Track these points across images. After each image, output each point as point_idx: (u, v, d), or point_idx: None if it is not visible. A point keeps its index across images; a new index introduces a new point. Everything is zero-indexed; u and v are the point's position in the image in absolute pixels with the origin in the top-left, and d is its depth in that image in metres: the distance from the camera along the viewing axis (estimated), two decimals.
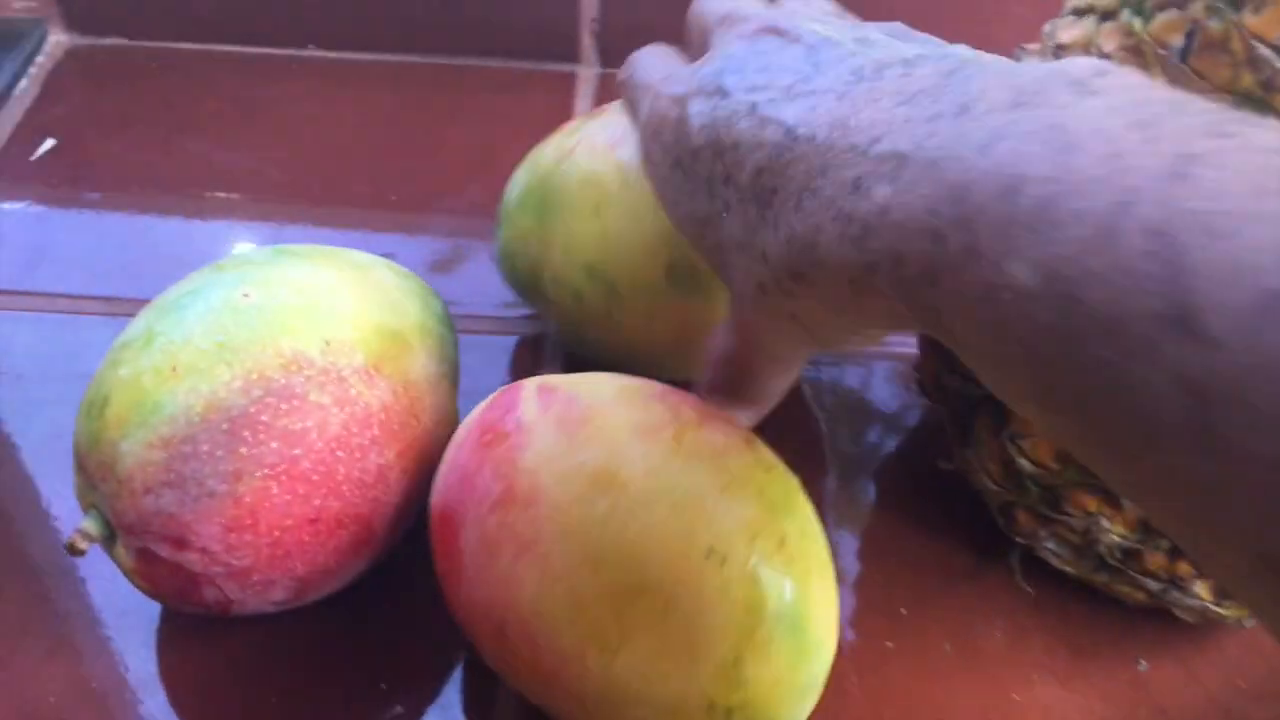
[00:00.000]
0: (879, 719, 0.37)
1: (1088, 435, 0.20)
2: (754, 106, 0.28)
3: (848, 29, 0.30)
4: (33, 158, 0.56)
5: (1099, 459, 0.21)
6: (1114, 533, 0.35)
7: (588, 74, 0.60)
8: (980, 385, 0.37)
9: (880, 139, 0.24)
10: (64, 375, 0.46)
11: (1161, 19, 0.31)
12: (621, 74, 0.38)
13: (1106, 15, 0.33)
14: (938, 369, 0.40)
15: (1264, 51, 0.29)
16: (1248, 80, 0.29)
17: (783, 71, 0.28)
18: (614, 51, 0.60)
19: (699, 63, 0.32)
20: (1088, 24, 0.34)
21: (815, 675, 0.32)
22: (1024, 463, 0.35)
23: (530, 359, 0.47)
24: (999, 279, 0.20)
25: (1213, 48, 0.30)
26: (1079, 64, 0.22)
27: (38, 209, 0.54)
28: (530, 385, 0.35)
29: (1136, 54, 0.32)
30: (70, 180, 0.55)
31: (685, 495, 0.32)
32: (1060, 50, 0.34)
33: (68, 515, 0.42)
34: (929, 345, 0.40)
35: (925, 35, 0.31)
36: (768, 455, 0.34)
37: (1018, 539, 0.39)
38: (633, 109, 0.36)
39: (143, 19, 0.61)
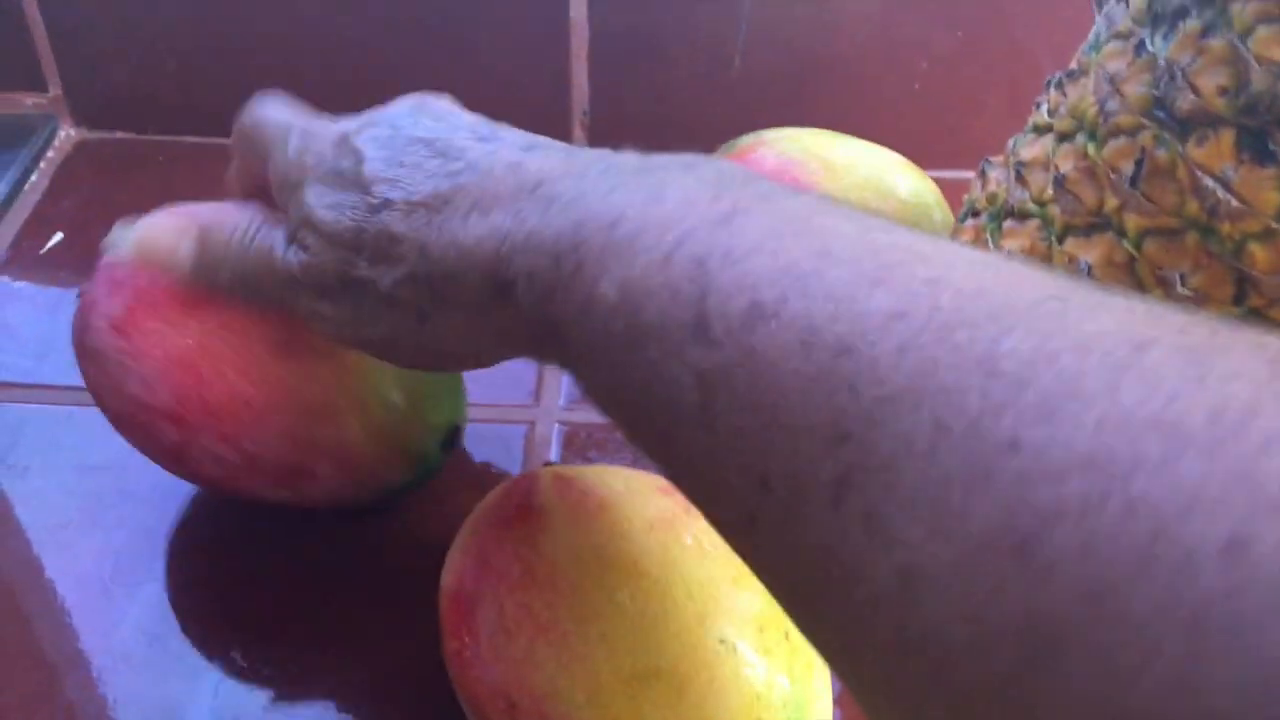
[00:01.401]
0: None
1: (640, 422, 0.26)
2: (441, 144, 0.32)
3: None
4: (42, 251, 0.57)
5: (648, 443, 0.26)
6: None
7: None
8: None
9: (542, 183, 0.29)
10: (70, 467, 0.48)
11: (1113, 145, 0.34)
12: (243, 120, 0.40)
13: (1064, 137, 0.36)
14: None
15: (1208, 182, 0.32)
16: (1193, 207, 0.32)
17: (464, 126, 0.33)
18: (602, 140, 0.63)
19: (361, 114, 0.35)
20: (1047, 142, 0.37)
21: None
22: None
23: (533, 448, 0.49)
24: (594, 294, 0.25)
25: (1160, 175, 0.32)
26: (691, 155, 0.28)
27: (47, 301, 0.55)
28: (546, 474, 0.37)
29: (1090, 176, 0.34)
30: (78, 272, 0.56)
31: (699, 585, 0.34)
32: (1021, 165, 0.37)
33: (73, 606, 0.43)
34: None
35: None
36: None
37: None
38: (269, 143, 0.37)
39: (150, 114, 0.64)
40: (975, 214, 0.37)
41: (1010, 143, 0.39)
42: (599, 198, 0.27)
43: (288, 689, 0.41)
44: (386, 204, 0.31)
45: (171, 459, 0.41)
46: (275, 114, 0.38)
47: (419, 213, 0.31)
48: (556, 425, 0.50)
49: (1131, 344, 0.18)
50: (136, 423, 0.41)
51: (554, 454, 0.49)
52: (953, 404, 0.19)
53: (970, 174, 0.42)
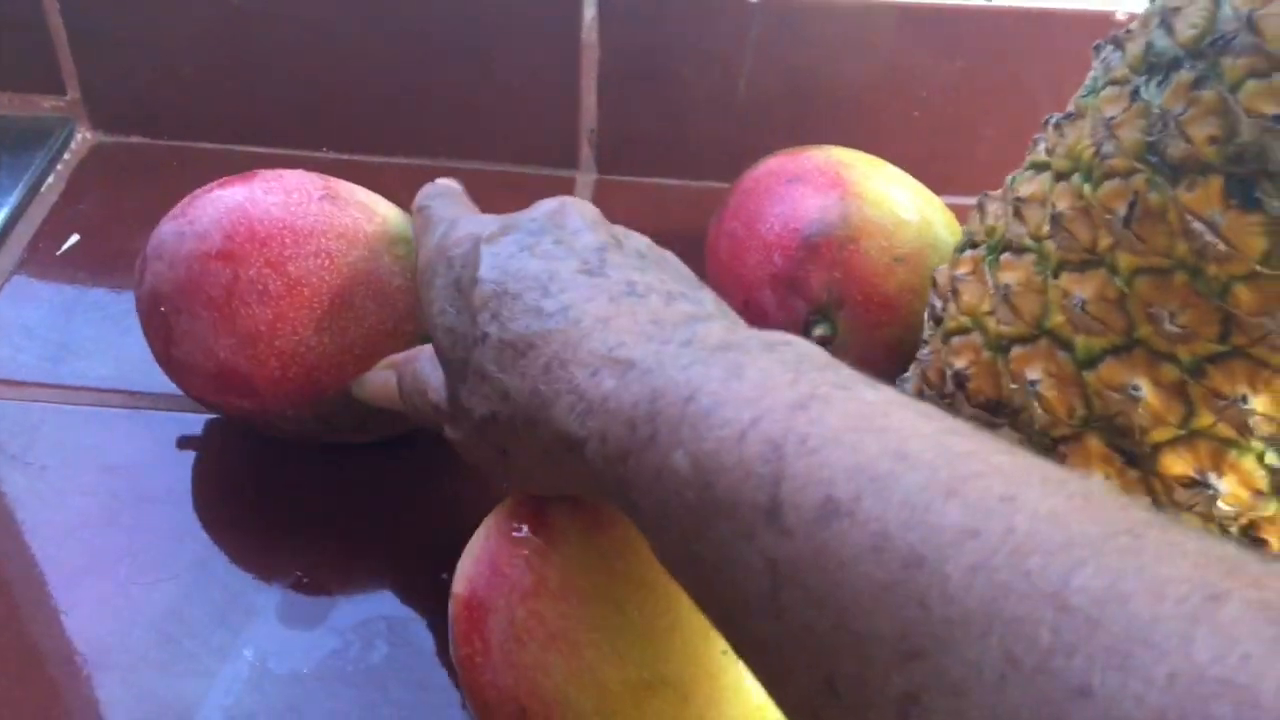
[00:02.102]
0: None
1: (709, 596, 0.26)
2: (547, 275, 0.33)
3: (631, 246, 0.35)
4: (59, 252, 0.59)
5: (717, 616, 0.26)
6: None
7: (586, 179, 0.65)
8: None
9: (623, 345, 0.30)
10: (87, 467, 0.49)
11: (1108, 187, 0.35)
12: (419, 200, 0.43)
13: (1061, 176, 0.37)
14: None
15: (1197, 225, 0.33)
16: (1182, 249, 0.33)
17: (577, 253, 0.34)
18: (609, 158, 0.64)
19: (505, 217, 0.36)
20: (1044, 180, 0.38)
21: None
22: None
23: None
24: (667, 464, 0.26)
25: (1152, 217, 0.34)
26: (774, 334, 0.29)
27: (64, 302, 0.56)
28: None
29: (1085, 215, 0.36)
30: (95, 274, 0.58)
31: None
32: (1020, 201, 0.39)
33: (89, 605, 0.44)
34: None
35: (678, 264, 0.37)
36: None
37: None
38: (424, 228, 0.40)
39: (165, 118, 0.65)
40: (974, 245, 0.38)
41: (1009, 179, 0.40)
42: (678, 369, 0.27)
43: (300, 691, 0.42)
44: (484, 338, 0.32)
45: (219, 309, 0.44)
46: (437, 204, 0.41)
47: (507, 353, 0.32)
48: None
49: (1206, 594, 0.18)
50: (191, 281, 0.44)
51: None
52: (1024, 636, 0.19)
53: (966, 200, 0.44)
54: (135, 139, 0.66)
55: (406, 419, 0.41)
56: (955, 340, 0.38)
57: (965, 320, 0.38)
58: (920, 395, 0.42)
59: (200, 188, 0.47)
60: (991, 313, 0.36)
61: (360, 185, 0.48)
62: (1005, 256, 0.36)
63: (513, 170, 0.65)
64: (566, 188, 0.64)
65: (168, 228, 0.46)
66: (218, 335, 0.44)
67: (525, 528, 0.37)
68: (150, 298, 0.46)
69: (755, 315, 0.48)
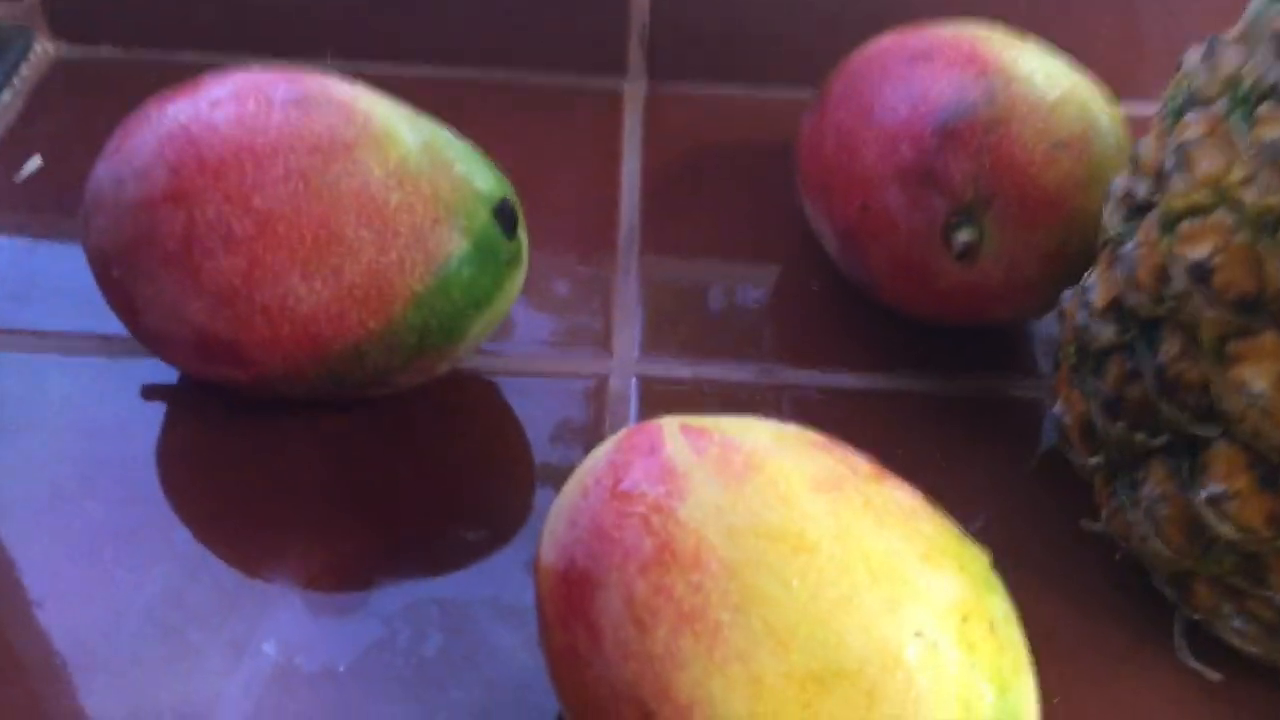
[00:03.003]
0: None
1: None
2: None
3: None
4: (18, 179, 0.49)
5: None
6: None
7: (635, 89, 0.55)
8: (1156, 434, 0.33)
9: None
10: (58, 426, 0.40)
11: None
12: None
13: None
14: (1090, 412, 0.35)
15: None
16: None
17: None
18: (665, 62, 0.55)
19: None
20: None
21: None
22: (1224, 527, 0.31)
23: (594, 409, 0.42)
24: None
25: None
26: None
27: (25, 237, 0.47)
28: (671, 424, 0.30)
29: None
30: (60, 205, 0.48)
31: (883, 562, 0.27)
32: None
33: (68, 596, 0.35)
34: (1078, 385, 0.36)
35: None
36: (950, 522, 0.30)
37: (1193, 614, 0.34)
38: None
39: (139, 26, 0.56)
40: (1203, 102, 0.30)
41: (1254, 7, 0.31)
42: None
43: (337, 693, 0.33)
44: None
45: (180, 265, 0.35)
46: None
47: None
48: (634, 379, 0.43)
49: None
50: (140, 236, 0.36)
51: (632, 415, 0.42)
52: None
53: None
54: (104, 50, 0.56)
55: (442, 363, 0.33)
56: (1186, 225, 0.30)
57: (1203, 196, 0.29)
58: (1115, 307, 0.33)
59: (133, 111, 0.38)
60: (1248, 181, 0.28)
61: None
62: (1266, 108, 0.28)
63: (550, 80, 0.56)
64: (613, 103, 0.55)
65: (102, 171, 0.37)
66: (185, 297, 0.35)
67: (638, 475, 0.29)
68: (99, 260, 0.37)
69: (879, 221, 0.39)
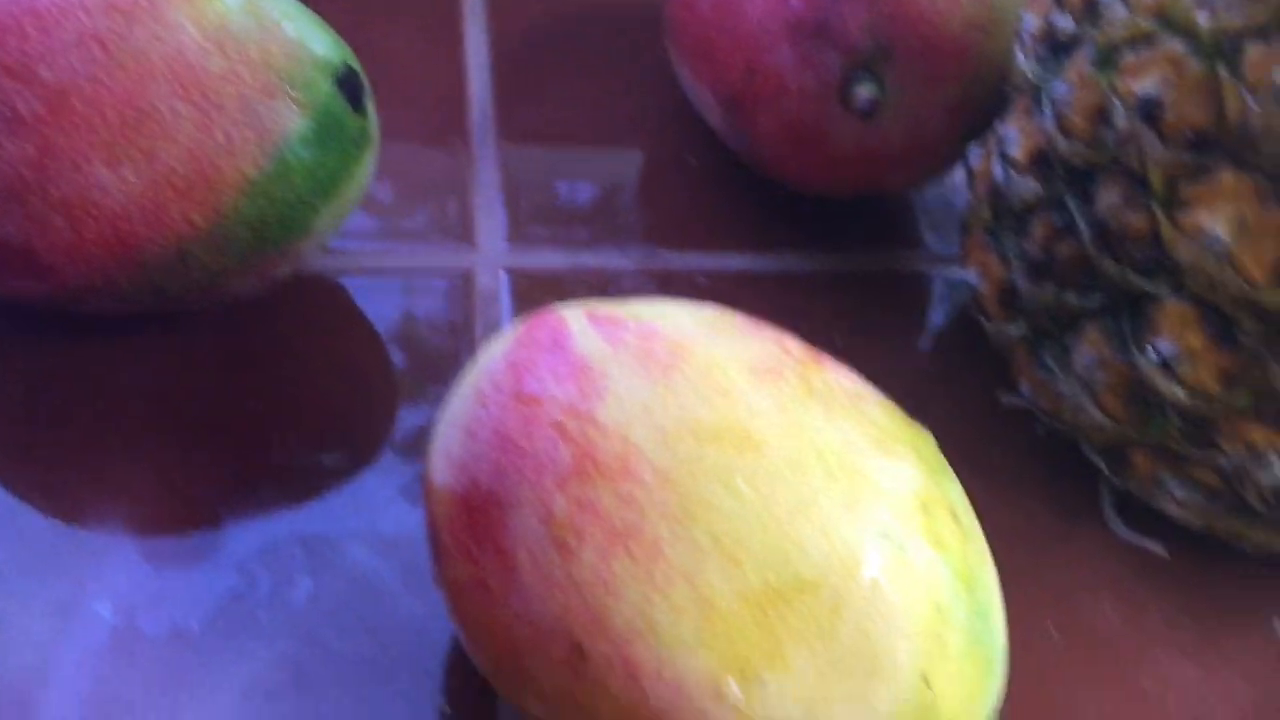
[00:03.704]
0: None
1: None
2: None
3: None
4: None
5: None
6: None
7: None
8: (1090, 295, 0.31)
9: None
10: None
11: None
12: None
13: None
14: (1010, 277, 0.32)
15: None
16: None
17: None
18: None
19: None
20: None
21: (998, 688, 0.25)
22: (1174, 390, 0.28)
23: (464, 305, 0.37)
24: None
25: None
26: None
27: None
28: (575, 313, 0.26)
29: None
30: None
31: (838, 456, 0.23)
32: None
33: None
34: (995, 249, 0.33)
35: None
36: (892, 402, 0.26)
37: (1128, 485, 0.32)
38: None
39: None
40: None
41: None
42: None
43: (192, 654, 0.28)
44: None
45: None
46: None
47: None
48: (503, 273, 0.38)
49: None
50: None
51: (505, 312, 0.37)
52: None
53: None
54: None
55: (282, 264, 0.28)
56: (1129, 57, 0.27)
57: (1148, 23, 0.26)
58: (1039, 159, 0.30)
59: None
60: (1202, 2, 0.25)
61: None
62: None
63: None
64: None
65: None
66: None
67: (544, 375, 0.24)
68: None
69: (768, 84, 0.35)
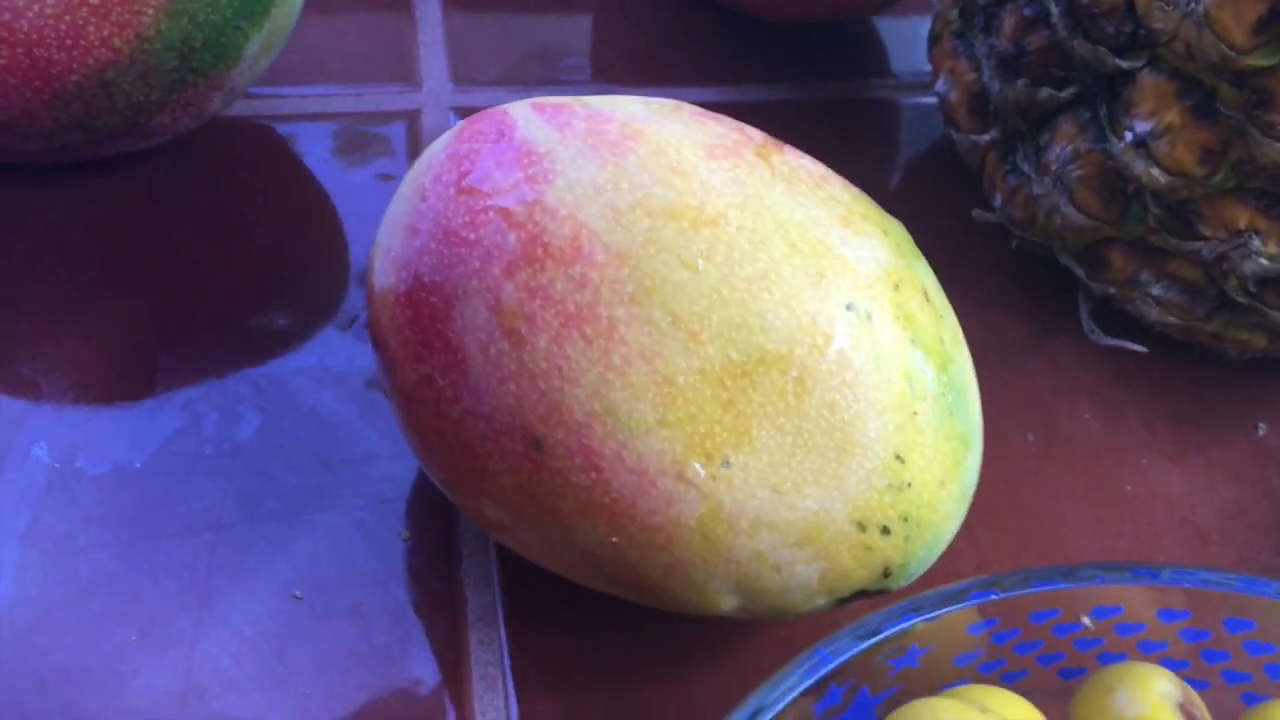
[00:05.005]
0: (979, 542, 0.29)
1: None
2: None
3: None
4: None
5: None
6: (1264, 255, 0.28)
7: None
8: (1064, 85, 0.29)
9: None
10: None
11: None
12: None
13: None
14: (981, 80, 0.31)
15: None
16: None
17: None
18: None
19: None
20: None
21: (974, 472, 0.24)
22: (1151, 171, 0.27)
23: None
24: None
25: None
26: None
27: None
28: (519, 106, 0.24)
29: None
30: None
31: (801, 230, 0.22)
32: None
33: None
34: (964, 54, 0.32)
35: None
36: (859, 190, 0.25)
37: (1107, 288, 0.31)
38: None
39: None
40: None
41: None
42: None
43: (136, 493, 0.27)
44: None
45: None
46: None
47: None
48: (450, 113, 0.36)
49: None
50: None
51: None
52: None
53: None
54: None
55: (213, 96, 0.26)
56: None
57: None
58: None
59: None
60: None
61: None
62: None
63: None
64: None
65: None
66: None
67: (488, 164, 0.23)
68: None
69: None
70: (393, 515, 0.28)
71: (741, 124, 0.25)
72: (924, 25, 0.41)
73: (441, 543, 0.27)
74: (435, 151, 0.24)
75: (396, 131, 0.36)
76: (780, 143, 0.24)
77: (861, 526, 0.22)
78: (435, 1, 0.39)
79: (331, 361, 0.30)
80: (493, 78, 0.37)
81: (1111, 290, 0.31)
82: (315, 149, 0.35)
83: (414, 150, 0.35)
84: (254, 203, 0.33)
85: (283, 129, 0.35)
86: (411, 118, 0.36)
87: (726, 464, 0.21)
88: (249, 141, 0.35)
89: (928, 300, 0.23)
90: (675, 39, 0.39)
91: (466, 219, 0.22)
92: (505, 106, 0.24)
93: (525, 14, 0.39)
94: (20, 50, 0.28)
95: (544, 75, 0.38)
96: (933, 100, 0.39)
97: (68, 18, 0.28)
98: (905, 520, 0.22)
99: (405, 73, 0.37)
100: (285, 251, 0.33)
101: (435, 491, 0.28)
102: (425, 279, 0.23)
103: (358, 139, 0.35)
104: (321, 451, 0.28)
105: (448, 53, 0.38)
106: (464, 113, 0.36)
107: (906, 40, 0.41)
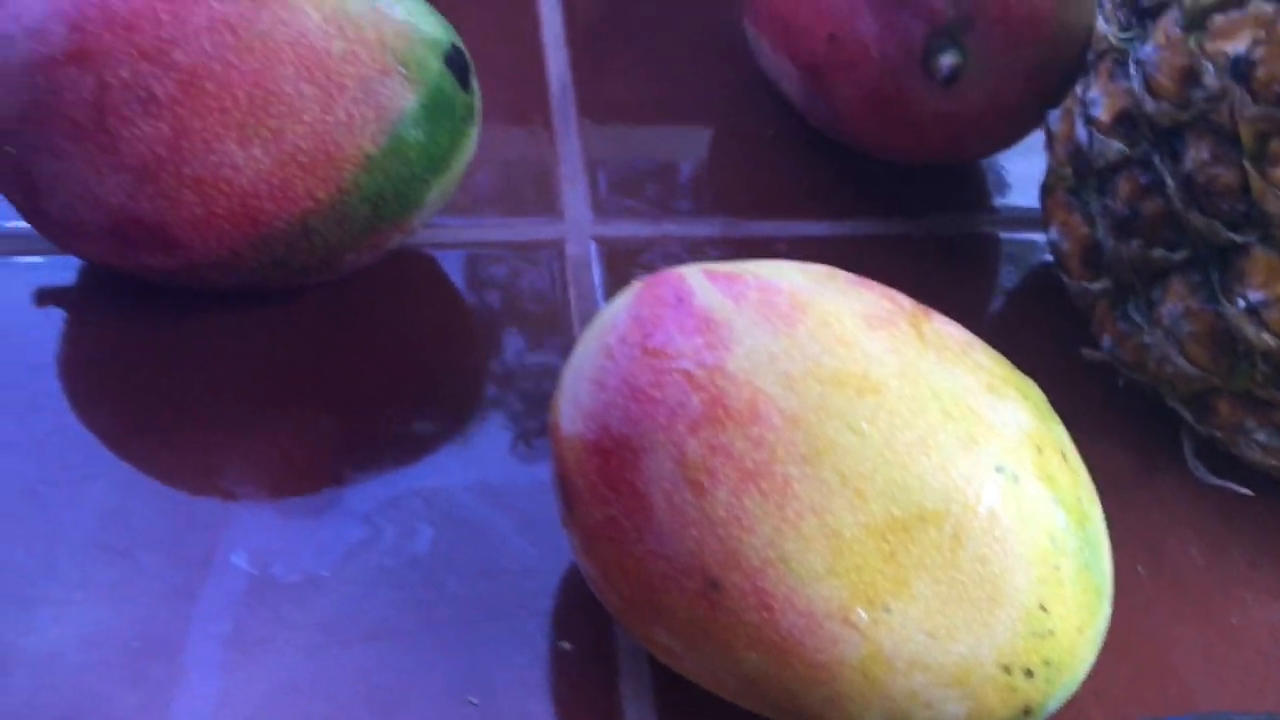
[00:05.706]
0: (1097, 669, 0.31)
1: None
2: None
3: None
4: None
5: None
6: None
7: None
8: (1177, 249, 0.32)
9: None
10: None
11: None
12: None
13: None
14: (1094, 235, 0.34)
15: None
16: None
17: None
18: None
19: None
20: None
21: (1107, 619, 0.26)
22: (1261, 335, 0.30)
23: None
24: None
25: None
26: None
27: None
28: (693, 272, 0.27)
29: None
30: None
31: (953, 397, 0.25)
32: None
33: None
34: (1078, 209, 0.34)
35: None
36: (998, 353, 0.28)
37: (1212, 432, 0.33)
38: None
39: None
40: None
41: None
42: None
43: (323, 600, 0.30)
44: None
45: (91, 136, 0.30)
46: None
47: None
48: (591, 243, 0.39)
49: None
50: (39, 104, 0.30)
51: (597, 279, 0.38)
52: None
53: None
54: None
55: (395, 238, 0.29)
56: (1219, 19, 0.28)
57: None
58: (1124, 120, 0.32)
59: None
60: None
61: None
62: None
63: None
64: None
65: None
66: (99, 174, 0.30)
67: (670, 329, 0.26)
68: None
69: (850, 52, 0.37)
70: (551, 625, 0.30)
71: (891, 291, 0.27)
72: (1025, 161, 0.44)
73: (600, 655, 0.30)
74: (617, 312, 0.27)
75: (544, 258, 0.39)
76: (928, 310, 0.27)
77: (1007, 670, 0.24)
78: (574, 142, 0.42)
79: (492, 478, 0.33)
80: (629, 210, 0.41)
81: (1217, 433, 0.33)
82: (472, 275, 0.38)
83: (563, 275, 0.38)
84: (418, 326, 0.36)
85: (434, 255, 0.38)
86: (557, 245, 0.39)
87: (887, 610, 0.24)
88: (413, 269, 0.38)
89: (1065, 460, 0.26)
90: (794, 174, 0.42)
91: (652, 378, 0.25)
92: (680, 271, 0.27)
93: (656, 151, 0.43)
94: (236, 200, 0.31)
95: (676, 206, 0.41)
96: (1036, 236, 0.41)
97: (280, 173, 0.31)
98: (1047, 664, 0.24)
99: (550, 206, 0.40)
100: (445, 371, 0.36)
101: (591, 605, 0.31)
102: (613, 430, 0.25)
103: (510, 265, 0.38)
104: (482, 562, 0.31)
105: (586, 187, 0.41)
106: (603, 241, 0.39)
107: (1012, 177, 0.43)
